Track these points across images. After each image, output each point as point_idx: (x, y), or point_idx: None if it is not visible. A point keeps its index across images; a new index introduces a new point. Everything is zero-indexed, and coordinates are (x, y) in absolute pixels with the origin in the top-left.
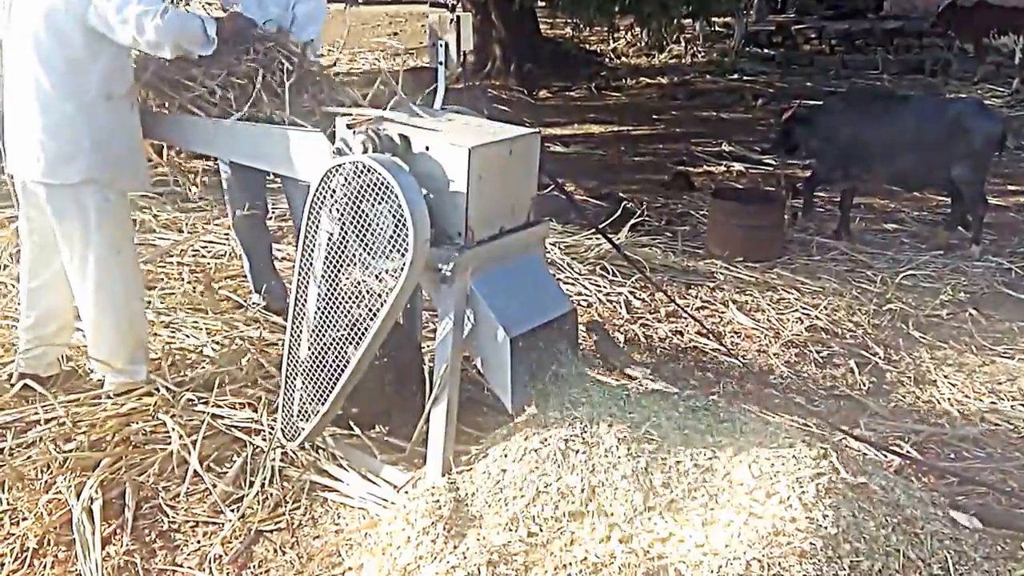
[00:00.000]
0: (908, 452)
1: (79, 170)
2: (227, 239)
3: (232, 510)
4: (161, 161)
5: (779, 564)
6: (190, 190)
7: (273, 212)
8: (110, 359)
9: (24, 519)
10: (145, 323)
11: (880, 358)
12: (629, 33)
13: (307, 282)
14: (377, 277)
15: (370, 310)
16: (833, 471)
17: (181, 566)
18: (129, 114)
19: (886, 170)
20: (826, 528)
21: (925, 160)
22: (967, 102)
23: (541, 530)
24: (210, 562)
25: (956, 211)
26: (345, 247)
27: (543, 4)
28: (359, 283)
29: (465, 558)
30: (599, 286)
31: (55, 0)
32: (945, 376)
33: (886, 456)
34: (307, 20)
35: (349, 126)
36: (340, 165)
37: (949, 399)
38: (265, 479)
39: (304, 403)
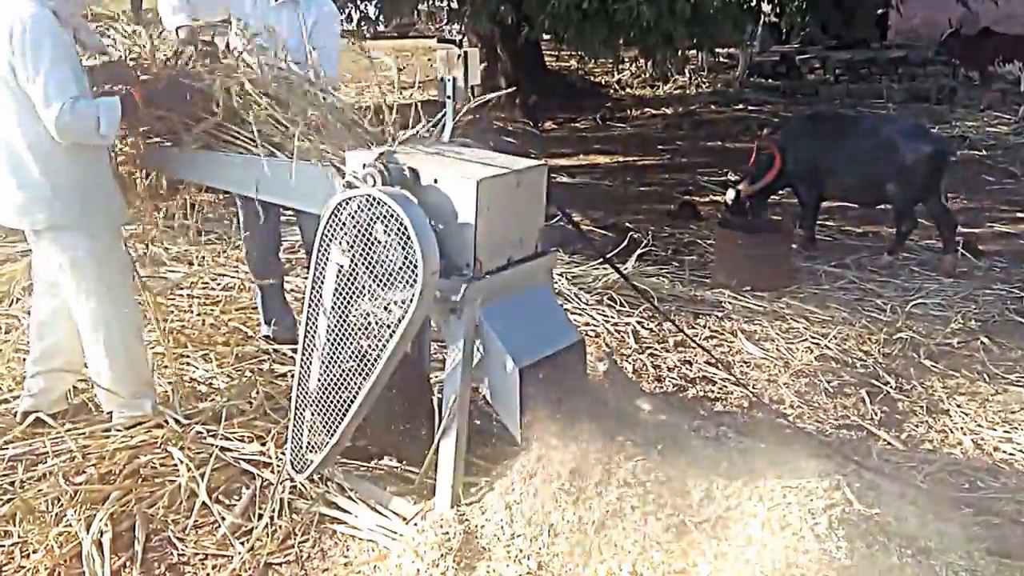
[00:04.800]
0: (921, 483)
1: (44, 218)
2: (237, 271)
3: (241, 543)
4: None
5: None
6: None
7: (282, 244)
8: (124, 399)
9: (34, 552)
10: (144, 357)
11: (891, 387)
12: (634, 64)
13: (317, 314)
14: (386, 308)
15: (379, 341)
16: (846, 502)
17: None
18: (92, 158)
19: (840, 186)
20: (839, 560)
21: (867, 177)
22: (906, 124)
23: (551, 562)
24: None
25: (943, 235)
26: (355, 279)
27: (548, 37)
28: (368, 314)
29: None
30: (607, 316)
31: (1, 48)
32: (957, 405)
33: (899, 487)
34: (320, 58)
35: (359, 159)
36: (350, 198)
37: (962, 428)
38: (274, 511)
39: (313, 435)
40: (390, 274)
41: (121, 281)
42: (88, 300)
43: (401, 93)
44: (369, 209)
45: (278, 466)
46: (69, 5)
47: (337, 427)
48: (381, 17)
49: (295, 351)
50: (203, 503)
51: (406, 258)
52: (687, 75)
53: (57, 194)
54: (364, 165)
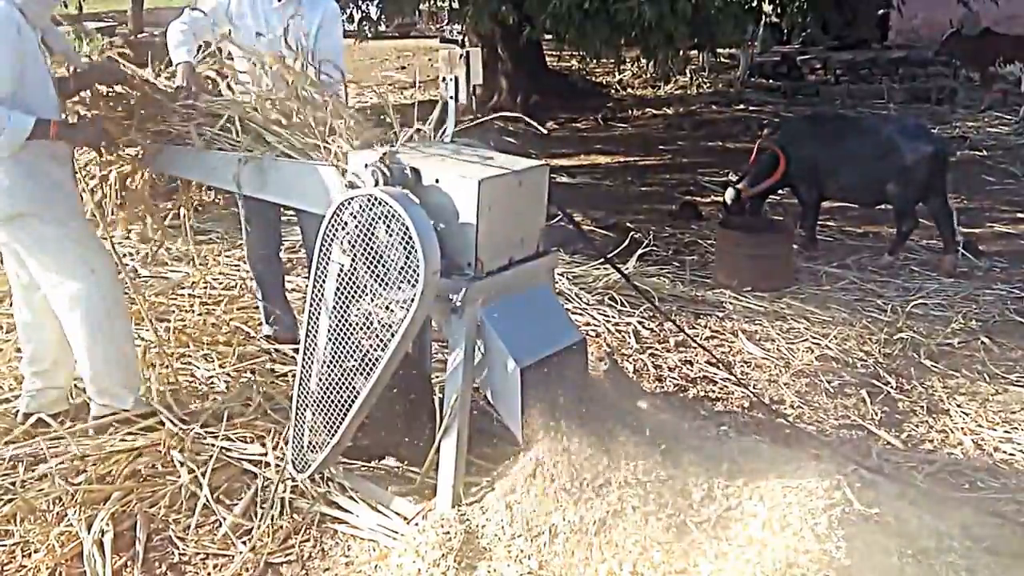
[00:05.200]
0: (921, 483)
1: (3, 207)
2: (238, 271)
3: (242, 542)
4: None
5: None
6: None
7: (283, 244)
8: (106, 386)
9: (36, 552)
10: (131, 350)
11: (892, 388)
12: (635, 65)
13: (318, 313)
14: (388, 308)
15: (381, 341)
16: (846, 502)
17: None
18: (49, 148)
19: (840, 187)
20: (839, 560)
21: (867, 177)
22: (906, 124)
23: (552, 562)
24: None
25: (943, 235)
26: (356, 279)
27: (549, 37)
28: (370, 314)
29: None
30: (608, 316)
31: None
32: (958, 405)
33: (899, 487)
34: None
35: (361, 159)
36: (352, 198)
37: (962, 428)
38: (275, 511)
39: (314, 434)
40: (391, 274)
41: (102, 262)
42: (71, 284)
43: (402, 93)
44: (371, 209)
45: (279, 466)
46: (35, 5)
47: (338, 427)
48: (382, 17)
49: (296, 351)
50: (204, 503)
51: (407, 258)
52: (688, 75)
53: (16, 183)
54: (366, 165)
